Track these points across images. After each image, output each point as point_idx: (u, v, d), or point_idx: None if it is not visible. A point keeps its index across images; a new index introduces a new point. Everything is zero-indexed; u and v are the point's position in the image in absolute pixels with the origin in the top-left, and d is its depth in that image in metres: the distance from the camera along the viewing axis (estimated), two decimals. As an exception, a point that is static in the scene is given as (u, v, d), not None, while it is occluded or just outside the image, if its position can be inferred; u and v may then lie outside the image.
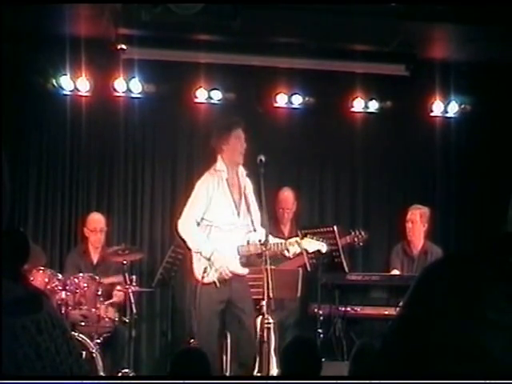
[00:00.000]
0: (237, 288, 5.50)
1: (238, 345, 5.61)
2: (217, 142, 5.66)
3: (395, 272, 6.93)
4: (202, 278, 5.42)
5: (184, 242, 5.68)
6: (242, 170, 5.69)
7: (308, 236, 5.63)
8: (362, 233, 6.06)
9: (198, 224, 5.57)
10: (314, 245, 5.60)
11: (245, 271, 5.60)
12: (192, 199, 5.63)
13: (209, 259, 5.45)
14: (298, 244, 5.53)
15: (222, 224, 5.55)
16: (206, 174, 5.73)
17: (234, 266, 5.53)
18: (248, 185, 5.72)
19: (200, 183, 5.67)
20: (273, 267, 5.49)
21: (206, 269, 5.41)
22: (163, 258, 7.34)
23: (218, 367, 5.70)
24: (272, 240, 5.58)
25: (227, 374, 5.95)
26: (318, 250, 5.64)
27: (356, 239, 5.99)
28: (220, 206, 5.57)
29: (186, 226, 5.58)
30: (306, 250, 5.62)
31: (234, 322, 5.59)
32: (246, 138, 5.70)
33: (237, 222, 5.56)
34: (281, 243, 5.58)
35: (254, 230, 5.61)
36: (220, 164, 5.65)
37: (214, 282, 5.43)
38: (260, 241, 5.39)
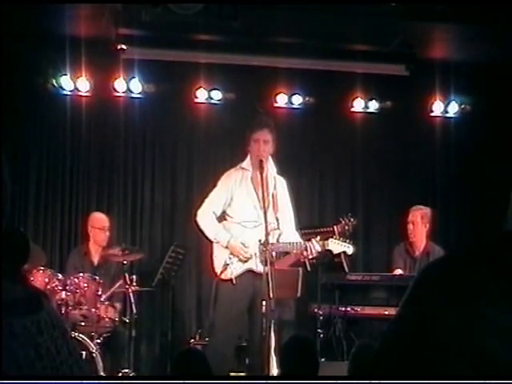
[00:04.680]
0: (259, 287, 5.38)
1: (253, 346, 5.59)
2: (245, 142, 5.70)
3: (398, 271, 6.91)
4: (221, 273, 5.42)
5: (202, 232, 5.69)
6: (271, 169, 5.67)
7: (334, 237, 5.62)
8: (351, 219, 6.03)
9: (217, 216, 5.62)
10: (339, 246, 5.58)
11: (264, 269, 5.50)
12: (214, 191, 5.69)
13: (226, 247, 5.47)
14: (323, 245, 5.50)
15: (244, 220, 5.56)
16: (232, 169, 5.77)
17: (253, 263, 5.51)
18: (279, 184, 5.71)
19: (224, 177, 5.72)
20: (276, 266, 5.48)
21: (226, 266, 5.42)
22: (163, 258, 7.34)
23: (228, 368, 5.67)
24: (293, 239, 5.57)
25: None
26: (344, 252, 5.64)
27: (346, 227, 5.97)
28: (242, 202, 5.59)
29: (203, 215, 5.64)
30: (331, 252, 5.60)
31: (253, 322, 5.54)
32: (271, 139, 5.60)
33: (260, 219, 5.50)
34: (302, 243, 5.54)
35: (278, 229, 5.58)
36: (247, 162, 5.69)
37: (231, 280, 5.42)
38: (260, 241, 5.37)
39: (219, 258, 5.52)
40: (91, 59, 7.13)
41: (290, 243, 5.51)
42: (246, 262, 5.49)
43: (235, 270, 5.45)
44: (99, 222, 6.94)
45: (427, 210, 7.00)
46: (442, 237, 7.61)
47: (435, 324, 0.85)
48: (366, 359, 3.93)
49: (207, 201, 5.69)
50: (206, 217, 5.63)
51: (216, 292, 5.49)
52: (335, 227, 6.24)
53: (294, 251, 5.56)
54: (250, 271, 5.49)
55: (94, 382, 1.38)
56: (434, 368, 0.83)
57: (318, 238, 5.56)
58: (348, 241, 5.65)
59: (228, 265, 5.43)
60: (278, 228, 5.54)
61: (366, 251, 8.03)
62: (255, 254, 5.49)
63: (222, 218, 5.67)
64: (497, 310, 0.82)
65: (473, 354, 0.82)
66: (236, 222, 5.58)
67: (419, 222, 6.92)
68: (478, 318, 0.83)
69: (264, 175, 5.52)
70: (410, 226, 6.96)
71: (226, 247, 5.50)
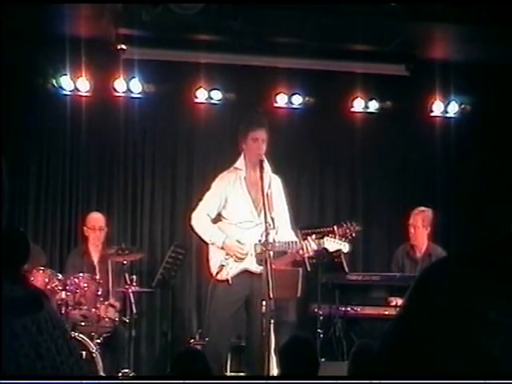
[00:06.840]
0: (256, 287, 5.38)
1: (251, 346, 5.59)
2: (239, 141, 5.66)
3: None
4: (217, 273, 5.42)
5: (197, 234, 5.69)
6: (266, 169, 5.61)
7: (330, 235, 5.61)
8: (354, 224, 6.04)
9: (212, 218, 5.61)
10: (335, 244, 5.57)
11: (260, 269, 5.45)
12: (208, 194, 5.67)
13: (222, 248, 5.47)
14: (319, 243, 5.49)
15: (239, 221, 5.55)
16: (225, 171, 5.74)
17: (249, 263, 5.51)
18: (274, 183, 5.69)
19: (218, 179, 5.69)
20: (278, 261, 5.49)
21: (221, 266, 5.41)
22: (163, 258, 7.35)
23: (222, 368, 5.67)
24: (289, 238, 5.58)
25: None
26: (338, 250, 5.64)
27: (348, 231, 5.97)
28: (237, 204, 5.57)
29: (198, 218, 5.62)
30: (327, 249, 5.59)
31: (250, 322, 5.55)
32: (267, 138, 5.55)
33: (255, 220, 5.51)
34: (298, 242, 5.54)
35: (273, 229, 5.56)
36: (240, 162, 5.65)
37: (227, 280, 5.42)
38: (260, 241, 5.37)
39: (215, 259, 5.51)
40: (91, 59, 7.13)
41: (286, 242, 5.51)
42: (242, 260, 5.48)
43: (231, 270, 5.44)
44: (93, 221, 6.92)
45: (428, 212, 6.96)
46: (444, 238, 7.61)
47: (436, 324, 0.85)
48: (365, 359, 3.93)
49: (201, 204, 5.65)
50: (200, 220, 5.60)
51: (212, 293, 5.47)
52: (335, 227, 6.25)
53: (291, 250, 5.56)
54: (246, 271, 5.49)
55: (94, 381, 1.38)
56: (435, 368, 0.83)
57: (314, 236, 5.55)
58: (344, 239, 5.65)
59: (223, 265, 5.42)
60: (274, 228, 5.54)
61: (366, 251, 8.03)
62: (251, 254, 5.49)
63: (217, 219, 5.65)
64: (498, 311, 0.82)
65: (473, 354, 0.82)
66: (231, 223, 5.57)
67: (420, 226, 6.88)
68: (478, 318, 0.82)
69: (261, 174, 5.52)
70: (412, 230, 6.93)
71: (222, 248, 5.49)
